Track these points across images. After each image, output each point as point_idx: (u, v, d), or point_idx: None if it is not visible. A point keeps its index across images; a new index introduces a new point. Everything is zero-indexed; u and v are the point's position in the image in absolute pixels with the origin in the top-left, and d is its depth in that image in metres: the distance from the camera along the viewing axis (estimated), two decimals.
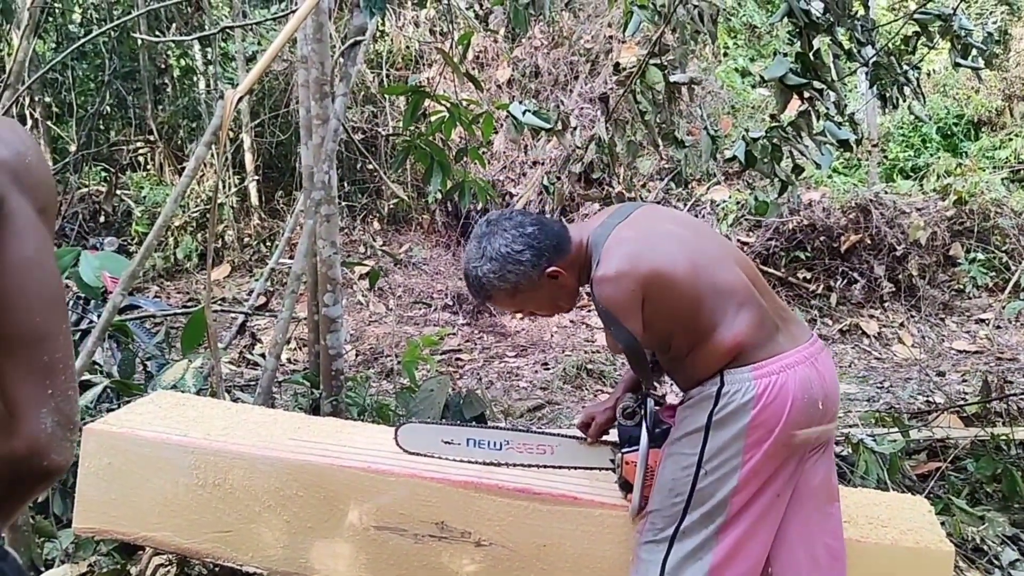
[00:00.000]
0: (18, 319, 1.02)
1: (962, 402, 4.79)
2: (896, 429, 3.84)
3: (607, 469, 2.23)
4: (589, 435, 2.27)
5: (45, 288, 1.05)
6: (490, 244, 2.00)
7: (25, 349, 1.02)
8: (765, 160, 3.17)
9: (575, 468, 2.27)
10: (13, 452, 1.01)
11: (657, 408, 2.07)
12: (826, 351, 2.03)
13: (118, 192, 8.59)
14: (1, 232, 1.02)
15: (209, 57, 8.83)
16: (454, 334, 6.86)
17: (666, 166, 7.93)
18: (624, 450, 2.08)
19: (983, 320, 6.77)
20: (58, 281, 1.08)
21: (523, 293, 2.03)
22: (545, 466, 2.28)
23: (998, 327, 6.63)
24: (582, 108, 8.21)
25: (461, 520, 2.20)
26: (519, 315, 2.14)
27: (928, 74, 9.69)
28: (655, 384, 2.10)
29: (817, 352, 1.98)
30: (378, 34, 7.97)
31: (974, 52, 3.35)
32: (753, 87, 9.59)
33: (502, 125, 7.27)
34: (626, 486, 2.08)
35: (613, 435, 2.19)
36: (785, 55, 2.99)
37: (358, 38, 3.83)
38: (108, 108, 8.91)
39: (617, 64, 8.05)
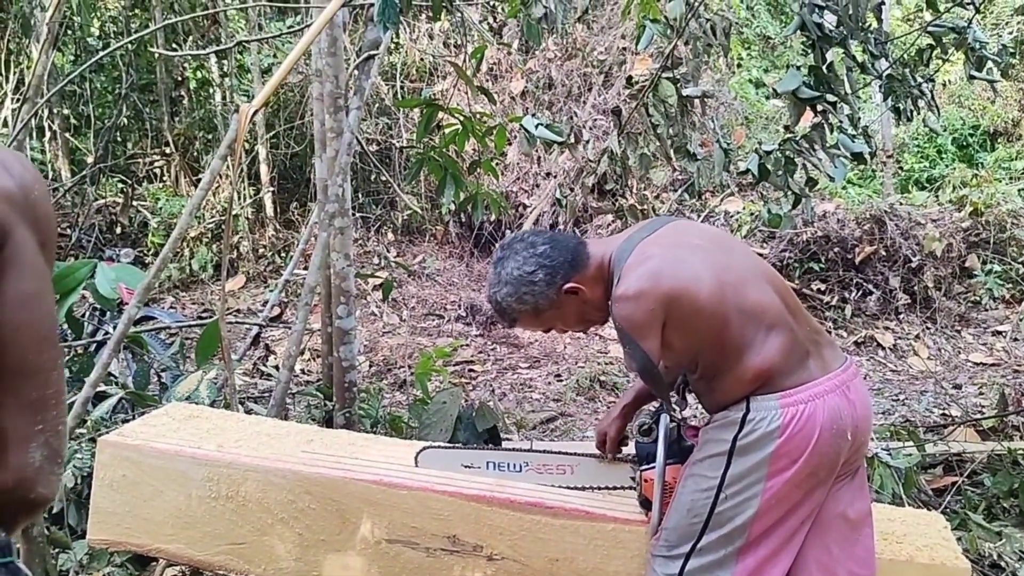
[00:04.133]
0: (13, 354, 1.03)
1: (979, 415, 4.75)
2: (912, 443, 3.81)
3: (628, 488, 2.22)
4: (607, 451, 2.26)
5: (42, 324, 1.06)
6: (504, 268, 2.01)
7: (19, 383, 1.03)
8: (778, 173, 3.16)
9: (597, 488, 2.27)
10: (1, 484, 1.02)
11: (675, 424, 2.05)
12: (859, 377, 1.98)
13: (134, 204, 8.66)
14: (4, 268, 1.03)
15: (225, 70, 8.90)
16: (467, 345, 6.87)
17: (679, 177, 7.92)
18: (643, 468, 2.08)
19: (1000, 332, 6.71)
20: (54, 317, 1.10)
21: (546, 312, 2.03)
22: (567, 487, 2.27)
23: (1015, 339, 6.57)
24: (595, 120, 8.22)
25: (473, 534, 2.19)
26: (551, 332, 2.14)
27: (943, 84, 9.64)
28: (675, 407, 2.07)
29: (850, 379, 1.92)
30: (392, 47, 8.01)
31: (989, 64, 3.34)
32: (767, 98, 9.58)
33: (515, 137, 7.28)
34: (646, 504, 2.07)
35: (632, 449, 2.19)
36: (798, 68, 2.98)
37: (372, 51, 3.86)
38: (125, 120, 8.99)
39: (630, 77, 8.06)
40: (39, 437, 1.04)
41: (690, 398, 2.22)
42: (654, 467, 2.02)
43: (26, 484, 1.03)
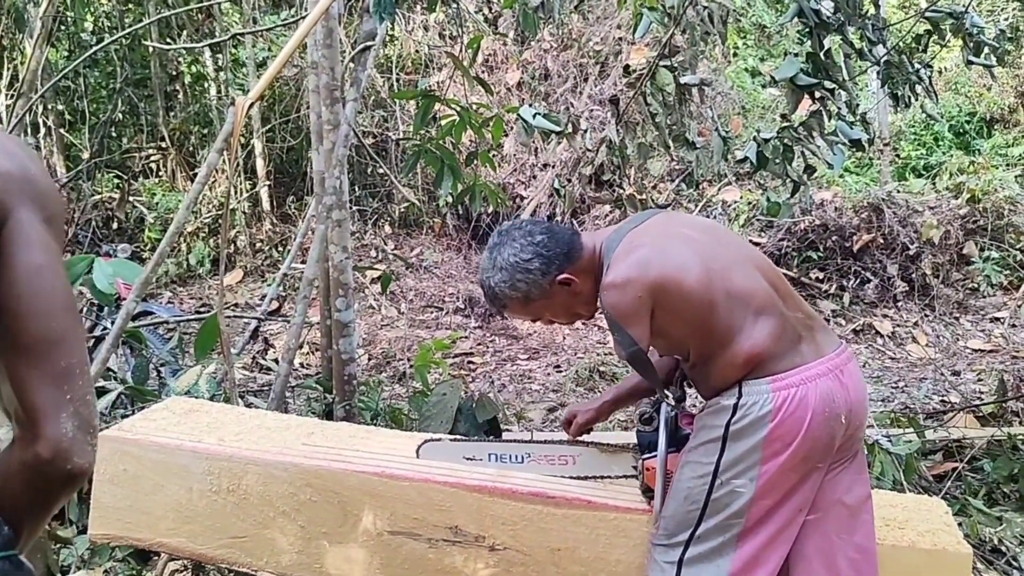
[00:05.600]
0: (33, 326, 1.04)
1: (978, 402, 4.76)
2: (911, 429, 3.81)
3: (630, 477, 2.23)
4: (570, 432, 2.30)
5: (57, 294, 1.07)
6: (500, 254, 2.01)
7: (42, 355, 1.04)
8: (777, 161, 3.15)
9: (600, 478, 2.27)
10: (37, 457, 1.03)
11: (676, 413, 2.05)
12: (853, 361, 1.98)
13: (131, 199, 8.64)
14: (11, 242, 1.04)
15: (220, 63, 8.87)
16: (466, 337, 6.87)
17: (677, 167, 7.91)
18: (644, 456, 2.08)
19: (998, 319, 6.72)
20: (69, 287, 1.11)
21: (536, 302, 2.03)
22: (569, 477, 2.28)
23: (1013, 326, 6.58)
24: (592, 110, 8.20)
25: (475, 524, 2.19)
26: (538, 323, 2.14)
27: (940, 72, 9.63)
28: (667, 392, 2.07)
29: (843, 363, 1.93)
30: (388, 39, 7.99)
31: (986, 50, 3.33)
32: (764, 87, 9.56)
33: (512, 128, 7.27)
34: (649, 492, 2.08)
35: (633, 438, 2.19)
36: (796, 55, 2.98)
37: (368, 43, 3.84)
38: (120, 115, 8.97)
39: (627, 66, 8.05)
40: (68, 407, 1.04)
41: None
42: (656, 455, 2.02)
43: (63, 455, 1.03)
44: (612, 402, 2.28)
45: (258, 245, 8.42)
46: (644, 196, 7.54)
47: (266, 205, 8.61)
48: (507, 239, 2.02)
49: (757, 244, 7.13)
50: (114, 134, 9.12)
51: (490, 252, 2.04)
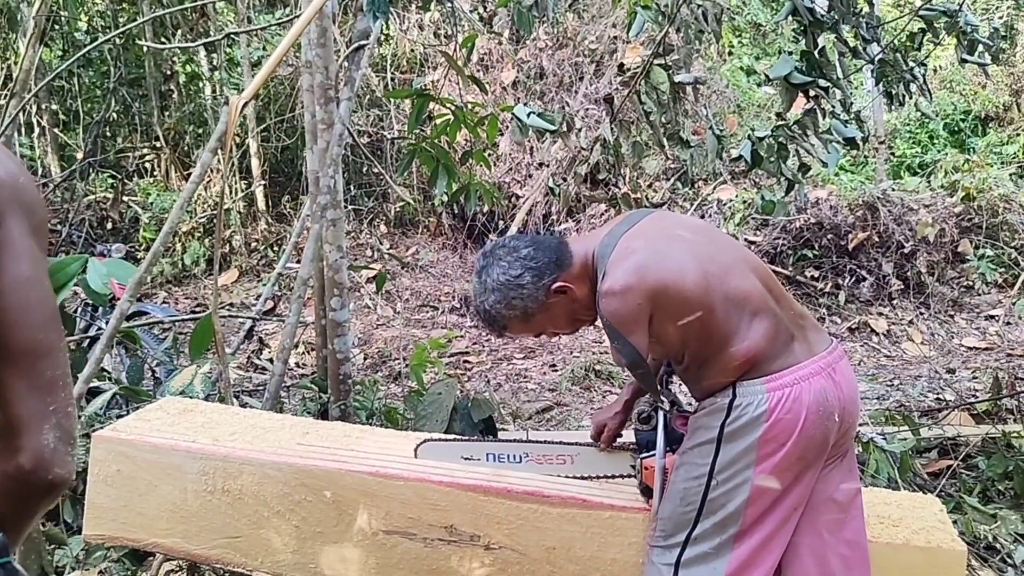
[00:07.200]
0: (21, 337, 1.05)
1: (973, 399, 4.77)
2: (906, 427, 3.82)
3: (628, 476, 2.23)
4: (602, 442, 2.27)
5: (44, 306, 1.08)
6: (489, 276, 1.99)
7: (27, 367, 1.05)
8: (771, 159, 3.16)
9: (597, 478, 2.27)
10: (19, 468, 1.04)
11: (672, 413, 2.05)
12: (845, 359, 1.98)
13: (125, 199, 8.63)
14: (0, 253, 1.04)
15: (214, 63, 8.85)
16: (461, 336, 6.86)
17: (672, 166, 7.92)
18: (643, 455, 2.08)
19: (993, 316, 6.73)
20: (54, 299, 1.12)
21: (536, 316, 2.01)
22: (567, 476, 2.27)
23: (1008, 323, 6.60)
24: (587, 109, 8.20)
25: (470, 524, 2.19)
26: (543, 337, 2.10)
27: (934, 70, 9.64)
28: (663, 398, 2.07)
29: (835, 361, 1.93)
30: (382, 38, 7.97)
31: (980, 48, 3.34)
32: (759, 85, 9.57)
33: (507, 127, 7.26)
34: (647, 491, 2.07)
35: (630, 437, 2.18)
36: (790, 53, 2.98)
37: (362, 42, 3.84)
38: (114, 115, 8.96)
39: (622, 65, 8.03)
40: (51, 419, 1.06)
41: (675, 388, 2.22)
42: (654, 455, 2.02)
43: (44, 466, 1.05)
44: (633, 398, 2.25)
45: (253, 245, 8.42)
46: (639, 195, 7.54)
47: (261, 204, 8.61)
48: (493, 259, 2.00)
49: (752, 243, 7.14)
50: (108, 134, 9.11)
51: (478, 276, 2.02)
